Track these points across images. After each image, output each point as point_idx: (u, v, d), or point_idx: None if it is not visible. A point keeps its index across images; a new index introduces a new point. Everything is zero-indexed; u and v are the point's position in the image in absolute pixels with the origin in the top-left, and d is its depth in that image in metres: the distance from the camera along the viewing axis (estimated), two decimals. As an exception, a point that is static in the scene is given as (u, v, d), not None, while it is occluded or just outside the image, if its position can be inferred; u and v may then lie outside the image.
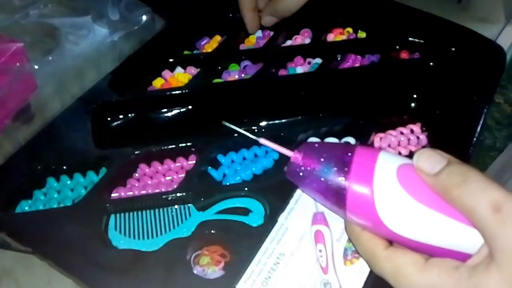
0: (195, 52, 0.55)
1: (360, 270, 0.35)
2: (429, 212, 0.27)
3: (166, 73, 0.52)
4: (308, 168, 0.29)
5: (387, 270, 0.28)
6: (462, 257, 0.27)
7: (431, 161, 0.27)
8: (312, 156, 0.29)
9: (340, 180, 0.28)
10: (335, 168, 0.28)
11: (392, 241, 0.29)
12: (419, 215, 0.27)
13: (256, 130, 0.47)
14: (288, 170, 0.30)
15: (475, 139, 0.45)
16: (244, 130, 0.46)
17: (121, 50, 0.52)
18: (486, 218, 0.25)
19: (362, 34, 0.56)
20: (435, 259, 0.27)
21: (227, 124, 0.32)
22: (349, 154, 0.28)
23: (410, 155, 0.44)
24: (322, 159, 0.28)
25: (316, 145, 0.30)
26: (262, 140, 0.32)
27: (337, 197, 0.28)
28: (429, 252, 0.28)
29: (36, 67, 0.47)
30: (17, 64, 0.42)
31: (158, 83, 0.50)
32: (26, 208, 0.41)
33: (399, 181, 0.27)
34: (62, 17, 0.54)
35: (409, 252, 0.28)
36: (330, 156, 0.29)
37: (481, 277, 0.25)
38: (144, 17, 0.54)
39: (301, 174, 0.29)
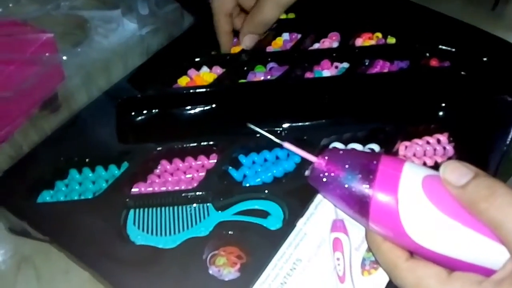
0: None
1: (378, 281, 0.34)
2: (454, 224, 0.26)
3: (192, 71, 0.52)
4: (332, 174, 0.28)
5: (408, 282, 0.27)
6: (486, 272, 0.26)
7: (458, 173, 0.27)
8: (336, 162, 0.29)
9: (365, 188, 0.27)
10: (360, 176, 0.28)
11: (414, 252, 0.29)
12: (444, 227, 0.26)
13: (279, 132, 0.47)
14: (311, 175, 0.30)
15: (503, 152, 0.44)
16: (267, 131, 0.46)
17: (149, 45, 0.53)
18: None
19: (391, 40, 0.55)
20: (458, 272, 0.27)
21: (252, 126, 0.32)
22: (374, 162, 0.28)
23: (436, 165, 0.43)
24: (346, 166, 0.28)
25: (341, 151, 0.30)
26: (286, 144, 0.31)
27: (360, 205, 0.28)
28: (451, 265, 0.27)
29: (64, 58, 0.48)
30: (47, 54, 0.43)
31: (183, 81, 0.51)
32: (48, 198, 0.42)
33: (424, 192, 0.27)
34: (92, 10, 0.55)
35: (432, 265, 0.27)
36: (355, 164, 0.28)
37: None
38: (172, 13, 0.55)
39: (324, 180, 0.29)
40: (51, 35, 0.44)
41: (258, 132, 0.33)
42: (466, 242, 0.26)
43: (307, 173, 0.31)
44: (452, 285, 0.26)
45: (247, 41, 0.52)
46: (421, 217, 0.27)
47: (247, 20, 0.51)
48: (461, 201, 0.26)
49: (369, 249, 0.31)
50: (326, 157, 0.29)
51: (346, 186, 0.28)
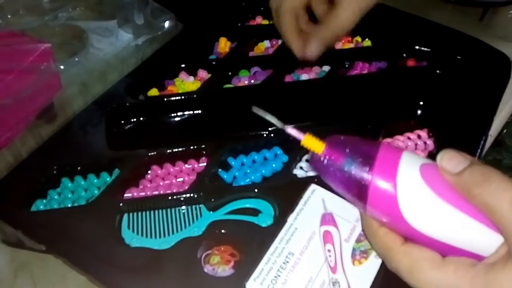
0: (210, 57, 0.56)
1: (368, 270, 0.36)
2: (451, 210, 0.27)
3: (168, 82, 0.53)
4: (332, 158, 0.28)
5: (403, 265, 0.28)
6: (478, 259, 0.27)
7: (454, 161, 0.27)
8: (337, 147, 0.29)
9: (364, 172, 0.28)
10: (360, 160, 0.28)
11: (409, 238, 0.29)
12: (441, 212, 0.27)
13: (265, 135, 0.48)
14: (312, 158, 0.30)
15: (481, 145, 0.46)
16: (254, 134, 0.48)
17: (144, 54, 0.54)
18: (507, 216, 0.25)
19: (368, 43, 0.57)
20: (452, 257, 0.27)
21: (257, 110, 0.32)
22: (374, 148, 0.28)
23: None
24: (347, 151, 0.28)
25: (342, 137, 0.30)
26: (289, 130, 0.30)
27: (359, 190, 0.28)
28: (445, 251, 0.28)
29: (62, 67, 0.49)
30: (44, 63, 0.44)
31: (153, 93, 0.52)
32: (41, 207, 0.42)
33: (422, 177, 0.27)
34: (89, 21, 0.56)
35: (426, 249, 0.28)
36: (355, 149, 0.28)
37: (498, 274, 0.25)
38: (167, 23, 0.56)
39: (325, 163, 0.29)
40: (48, 45, 0.45)
41: (262, 117, 0.32)
42: (461, 228, 0.27)
43: (310, 157, 0.31)
44: (446, 267, 0.27)
45: (315, 48, 0.46)
46: (419, 202, 0.27)
47: (324, 26, 0.46)
48: (457, 188, 0.27)
49: (364, 235, 0.32)
50: (327, 142, 0.29)
51: (346, 170, 0.28)
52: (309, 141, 0.29)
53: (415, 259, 0.28)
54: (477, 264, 0.26)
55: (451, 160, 0.27)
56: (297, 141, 0.30)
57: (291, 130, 0.30)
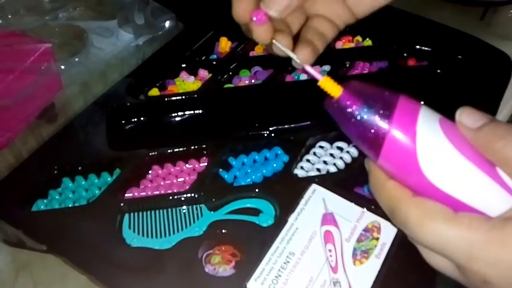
0: (211, 56, 0.56)
1: (369, 270, 0.36)
2: (470, 166, 0.26)
3: (168, 82, 0.53)
4: (349, 103, 0.27)
5: (412, 216, 0.27)
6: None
7: (474, 116, 0.26)
8: (355, 92, 0.27)
9: (382, 121, 0.26)
10: (378, 108, 0.27)
11: (420, 193, 0.28)
12: (460, 167, 0.26)
13: (266, 135, 0.48)
14: (328, 102, 0.28)
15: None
16: (255, 133, 0.48)
17: (145, 54, 0.54)
18: None
19: (368, 43, 0.57)
20: (464, 212, 0.26)
21: (278, 43, 0.30)
22: (393, 98, 0.27)
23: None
24: (365, 97, 0.27)
25: (361, 83, 0.29)
26: (308, 68, 0.29)
27: (374, 139, 0.27)
28: (456, 209, 0.27)
29: (62, 67, 0.49)
30: (45, 64, 0.44)
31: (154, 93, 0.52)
32: (42, 207, 0.42)
33: (442, 130, 0.26)
34: (90, 21, 0.56)
35: (438, 202, 0.27)
36: (374, 96, 0.27)
37: None
38: (168, 23, 0.56)
39: (341, 107, 0.27)
40: (49, 45, 0.45)
41: (283, 50, 0.31)
42: (477, 186, 0.26)
43: (326, 101, 0.29)
44: (460, 220, 0.26)
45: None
46: (439, 154, 0.26)
47: None
48: (475, 143, 0.26)
49: (371, 188, 0.30)
50: (345, 87, 0.28)
51: (363, 116, 0.27)
52: (326, 82, 0.28)
53: (427, 211, 0.26)
54: (491, 218, 0.26)
55: (471, 116, 0.26)
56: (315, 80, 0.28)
57: (310, 69, 0.29)
